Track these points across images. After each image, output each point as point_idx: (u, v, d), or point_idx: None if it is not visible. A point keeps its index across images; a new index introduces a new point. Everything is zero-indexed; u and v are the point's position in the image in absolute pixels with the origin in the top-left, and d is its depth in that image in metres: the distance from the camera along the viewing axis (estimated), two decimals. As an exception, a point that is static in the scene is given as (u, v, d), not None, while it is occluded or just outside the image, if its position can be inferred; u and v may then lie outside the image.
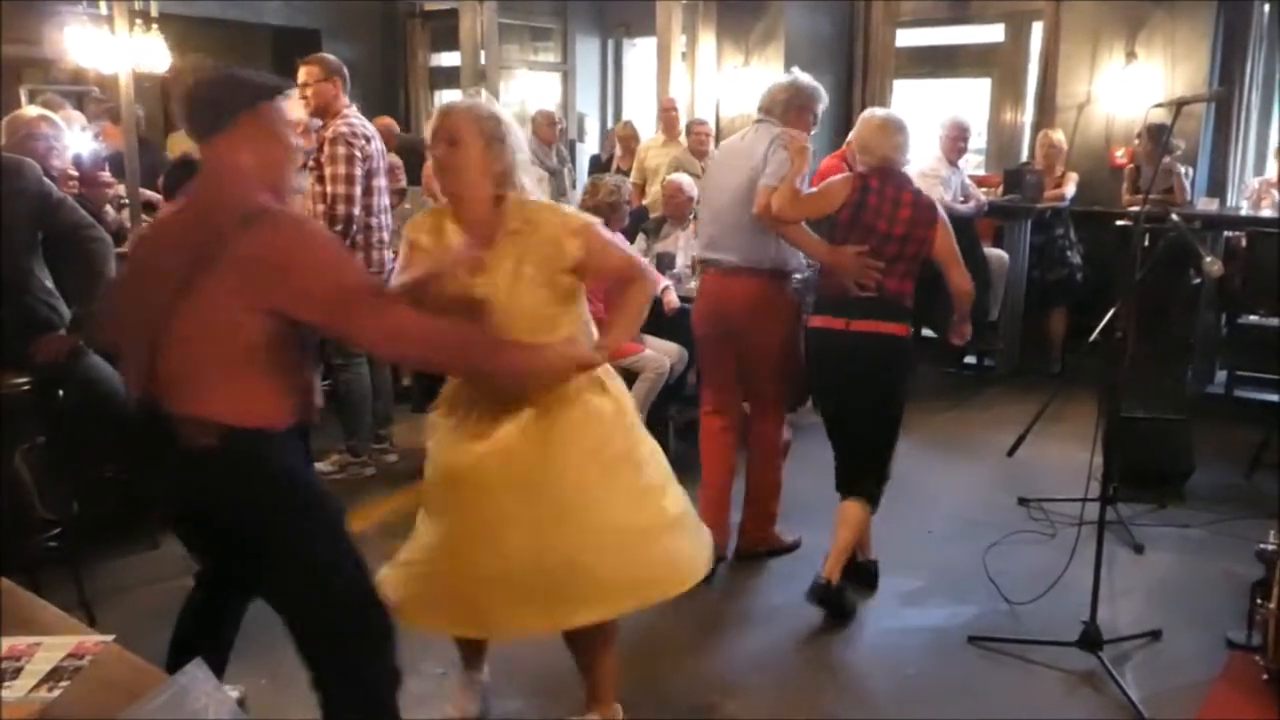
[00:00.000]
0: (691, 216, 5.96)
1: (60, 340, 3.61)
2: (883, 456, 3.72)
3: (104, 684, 1.45)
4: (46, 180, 3.69)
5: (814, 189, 3.79)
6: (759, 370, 3.99)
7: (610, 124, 10.52)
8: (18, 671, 1.45)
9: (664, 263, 5.51)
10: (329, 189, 4.51)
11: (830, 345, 3.69)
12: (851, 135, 3.97)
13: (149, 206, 5.53)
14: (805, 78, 4.00)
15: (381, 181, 4.77)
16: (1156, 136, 6.01)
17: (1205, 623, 3.57)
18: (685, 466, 5.02)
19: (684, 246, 5.71)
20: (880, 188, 3.63)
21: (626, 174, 7.66)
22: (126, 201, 5.72)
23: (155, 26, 6.22)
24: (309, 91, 4.61)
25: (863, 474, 3.71)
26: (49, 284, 3.72)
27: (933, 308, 3.84)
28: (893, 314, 3.62)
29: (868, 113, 3.88)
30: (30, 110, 4.42)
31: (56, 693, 1.41)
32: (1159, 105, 3.98)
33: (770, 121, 3.91)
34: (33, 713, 1.37)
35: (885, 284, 3.59)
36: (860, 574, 3.86)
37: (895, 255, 3.60)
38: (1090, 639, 3.28)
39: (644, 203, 7.20)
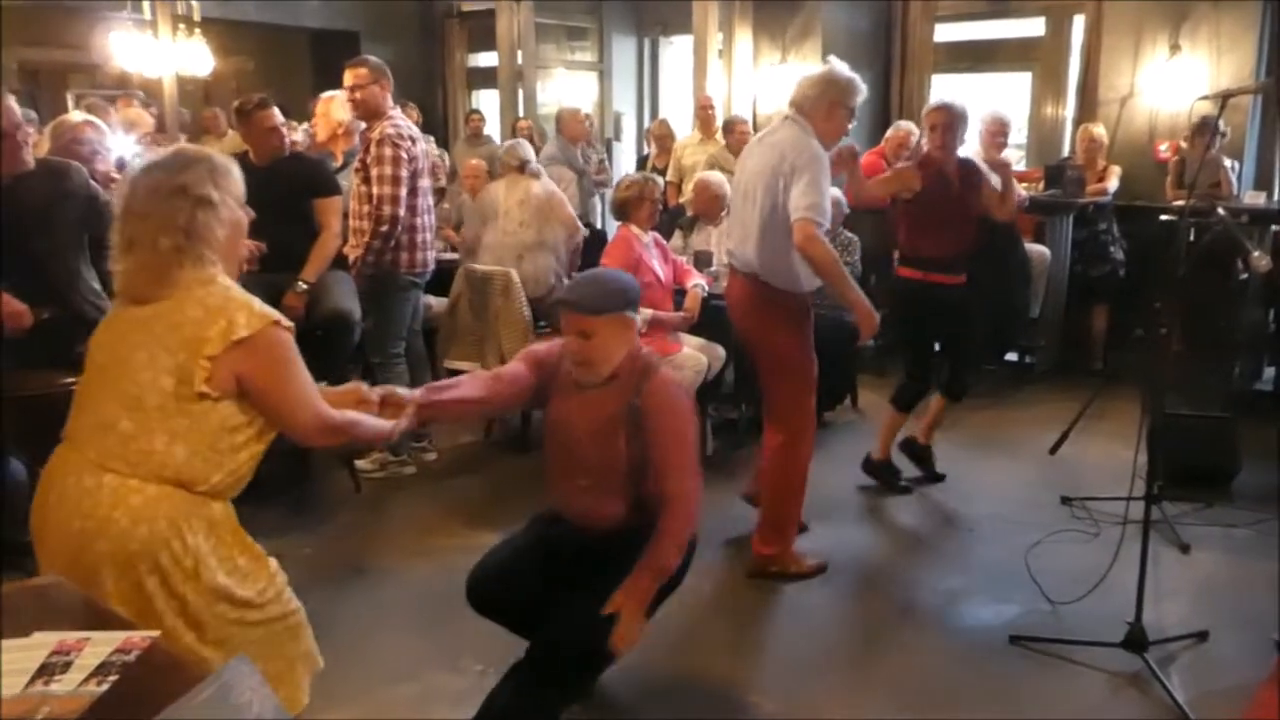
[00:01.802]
0: (724, 214, 5.95)
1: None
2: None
3: (150, 679, 1.47)
4: (93, 183, 3.75)
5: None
6: (764, 373, 3.91)
7: (647, 123, 10.53)
8: (67, 666, 1.48)
9: (701, 260, 5.50)
10: (375, 190, 4.56)
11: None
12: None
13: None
14: (841, 68, 3.76)
15: (425, 182, 4.82)
16: (1202, 130, 5.92)
17: (1252, 624, 3.51)
18: (721, 464, 5.06)
19: (717, 244, 5.71)
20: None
21: (662, 172, 7.66)
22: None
23: (198, 30, 6.30)
24: (358, 95, 4.66)
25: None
26: (96, 285, 3.78)
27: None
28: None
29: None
30: (75, 115, 4.50)
31: (104, 687, 1.43)
32: (1204, 98, 3.93)
33: (797, 119, 3.70)
34: (81, 706, 1.39)
35: None
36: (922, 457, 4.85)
37: None
38: (1135, 640, 3.24)
39: (680, 201, 7.20)
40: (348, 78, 4.67)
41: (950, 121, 4.53)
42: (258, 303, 2.12)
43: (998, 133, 6.30)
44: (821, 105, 3.70)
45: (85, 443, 2.11)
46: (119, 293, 2.15)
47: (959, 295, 4.64)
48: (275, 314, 2.13)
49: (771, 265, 3.71)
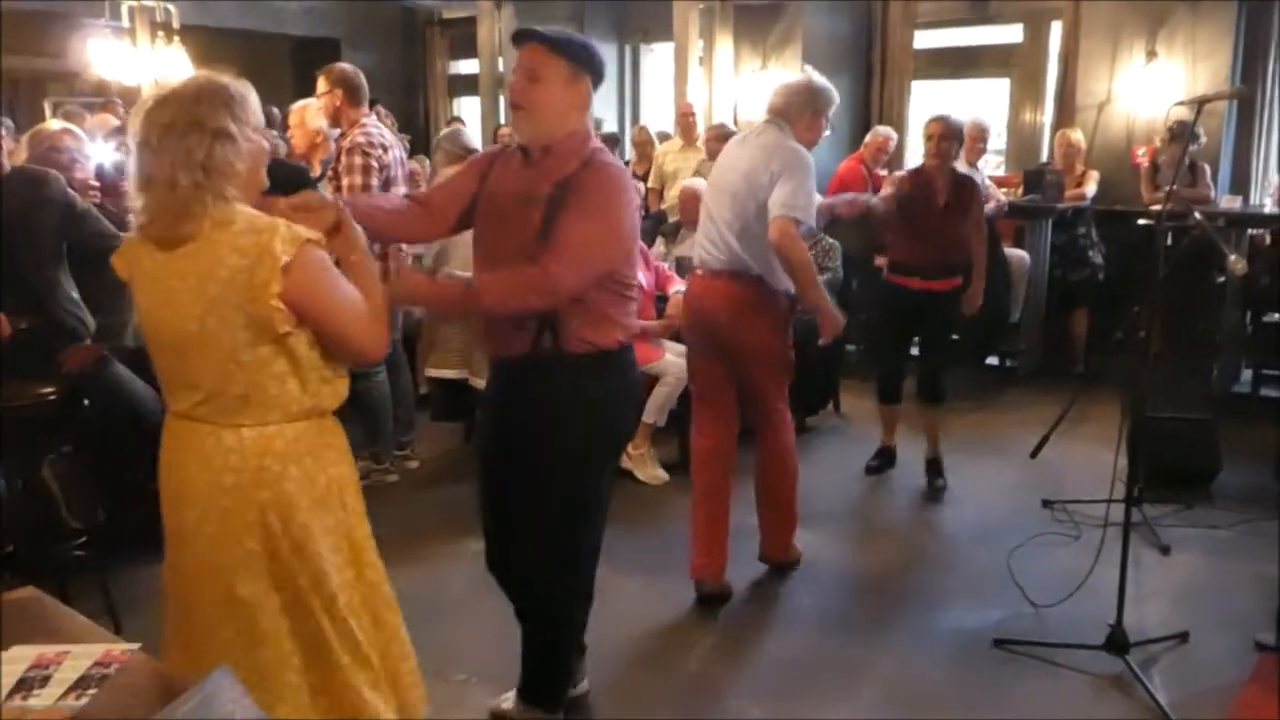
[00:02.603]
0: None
1: (86, 350, 3.64)
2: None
3: (130, 692, 1.45)
4: (70, 191, 3.73)
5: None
6: (754, 373, 3.80)
7: (628, 129, 10.54)
8: (45, 680, 1.47)
9: (684, 266, 5.51)
10: (345, 199, 4.53)
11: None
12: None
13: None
14: (820, 79, 3.86)
15: (400, 190, 4.79)
16: (1178, 134, 5.97)
17: (1233, 625, 3.54)
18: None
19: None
20: None
21: (642, 179, 7.68)
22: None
23: (177, 38, 6.27)
24: (323, 101, 4.66)
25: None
26: (74, 294, 3.76)
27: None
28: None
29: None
30: (54, 124, 4.48)
31: (83, 701, 1.42)
32: (1181, 103, 3.97)
33: (779, 124, 3.73)
34: (61, 720, 1.39)
35: None
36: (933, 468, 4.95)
37: None
38: (1117, 642, 3.26)
39: (662, 207, 7.21)
40: (318, 85, 4.68)
41: (944, 133, 4.69)
42: (285, 225, 2.01)
43: (977, 138, 6.35)
44: (805, 114, 3.75)
45: (204, 413, 2.08)
46: (139, 229, 2.06)
47: (938, 302, 4.80)
48: (306, 231, 2.03)
49: (756, 254, 3.67)
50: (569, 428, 2.62)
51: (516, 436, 2.68)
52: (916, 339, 5.01)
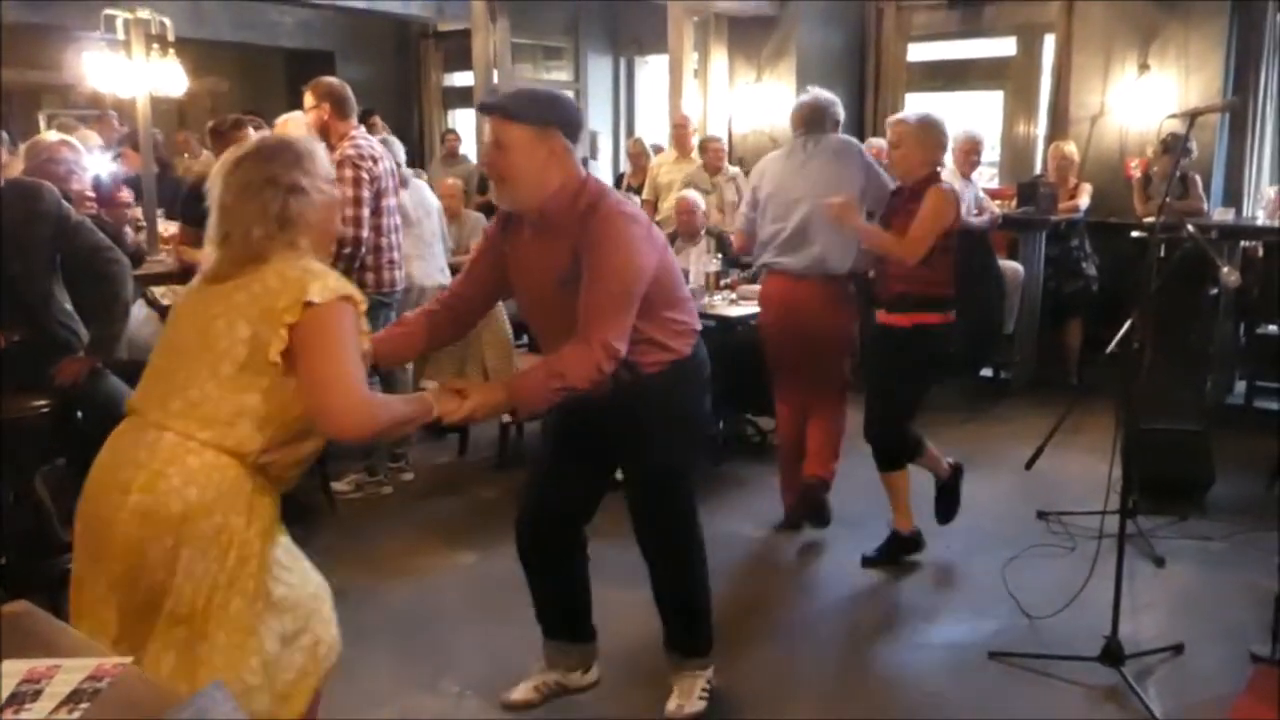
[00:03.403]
0: (702, 232, 5.98)
1: (79, 362, 3.64)
2: None
3: (123, 706, 1.45)
4: (64, 203, 3.73)
5: (926, 223, 3.93)
6: (829, 364, 4.35)
7: (623, 142, 10.57)
8: (38, 694, 1.46)
9: (677, 279, 5.51)
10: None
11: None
12: (905, 140, 4.06)
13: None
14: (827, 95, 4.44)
15: (392, 201, 4.79)
16: (1171, 147, 5.99)
17: (1228, 636, 3.54)
18: (703, 482, 5.05)
19: (695, 262, 5.72)
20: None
21: (637, 190, 7.69)
22: (144, 224, 5.78)
23: (171, 50, 6.28)
24: (310, 116, 4.68)
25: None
26: (68, 306, 3.75)
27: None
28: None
29: (922, 116, 4.14)
30: (51, 135, 4.48)
31: (76, 715, 1.41)
32: (1173, 116, 3.99)
33: (831, 135, 4.31)
34: (53, 735, 1.38)
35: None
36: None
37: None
38: (1112, 653, 3.25)
39: (657, 219, 7.22)
40: (305, 99, 4.70)
41: (896, 139, 4.10)
42: (335, 276, 2.09)
43: (970, 151, 6.37)
44: (829, 124, 4.37)
45: (149, 409, 2.09)
46: (205, 276, 2.16)
47: (896, 339, 4.07)
48: (351, 290, 2.09)
49: (842, 253, 4.19)
50: (664, 440, 2.84)
51: (611, 448, 2.91)
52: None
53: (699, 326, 2.86)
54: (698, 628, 3.10)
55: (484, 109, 2.64)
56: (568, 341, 2.54)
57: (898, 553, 4.19)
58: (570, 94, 11.36)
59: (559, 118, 2.57)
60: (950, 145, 6.34)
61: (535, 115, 2.53)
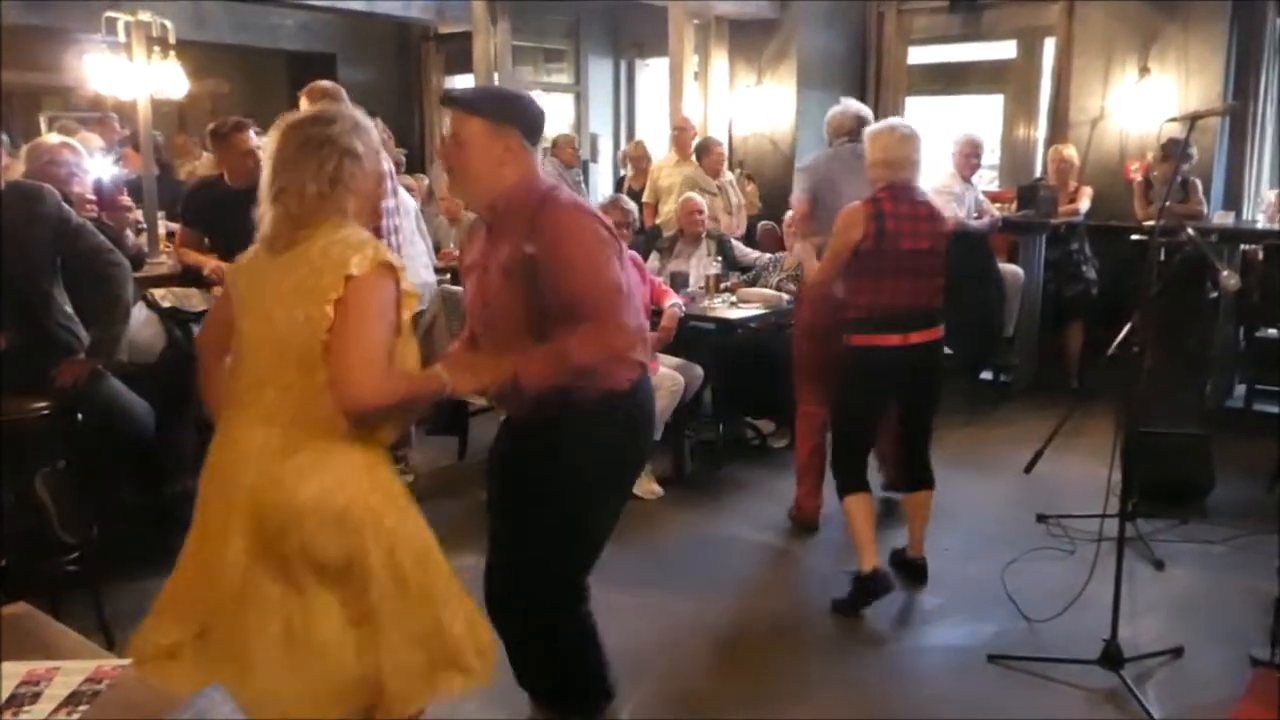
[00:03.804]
0: (703, 234, 5.98)
1: (79, 364, 3.64)
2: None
3: (122, 708, 1.45)
4: (65, 205, 3.73)
5: (830, 245, 3.84)
6: None
7: (623, 144, 10.57)
8: (36, 696, 1.46)
9: (677, 281, 5.52)
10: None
11: (890, 359, 3.81)
12: (870, 151, 3.87)
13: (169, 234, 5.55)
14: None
15: (391, 202, 4.79)
16: (1171, 150, 5.99)
17: (1228, 640, 3.54)
18: (700, 484, 5.07)
19: (697, 265, 5.72)
20: (895, 208, 3.66)
21: (639, 194, 7.68)
22: (145, 226, 5.78)
23: (173, 53, 6.28)
24: None
25: (926, 462, 4.08)
26: (68, 308, 3.75)
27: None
28: (937, 321, 3.89)
29: (883, 126, 3.92)
30: (52, 137, 4.48)
31: (74, 717, 1.42)
32: (1173, 119, 3.98)
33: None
34: (52, 736, 1.38)
35: (925, 295, 3.80)
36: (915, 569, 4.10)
37: (929, 269, 3.77)
38: (1111, 657, 3.26)
39: (657, 222, 7.22)
40: (301, 104, 4.70)
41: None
42: (375, 245, 2.16)
43: (970, 154, 6.38)
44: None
45: (249, 401, 2.18)
46: (261, 240, 2.24)
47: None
48: (390, 257, 2.16)
49: None
50: (579, 475, 2.59)
51: (529, 483, 2.66)
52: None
53: (651, 361, 2.68)
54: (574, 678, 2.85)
55: (446, 101, 2.64)
56: (510, 341, 2.48)
57: (862, 598, 3.79)
58: (570, 97, 11.45)
59: (517, 116, 2.54)
60: (952, 149, 6.42)
61: (493, 111, 2.51)
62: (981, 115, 8.98)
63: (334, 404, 2.09)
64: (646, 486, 4.95)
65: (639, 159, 8.32)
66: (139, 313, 4.39)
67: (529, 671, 2.81)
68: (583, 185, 8.87)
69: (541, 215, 2.47)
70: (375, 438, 2.23)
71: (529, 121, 2.57)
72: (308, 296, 2.10)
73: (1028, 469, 3.67)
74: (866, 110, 4.82)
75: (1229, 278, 3.55)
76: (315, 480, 2.11)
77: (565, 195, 2.58)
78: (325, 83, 4.75)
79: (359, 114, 2.32)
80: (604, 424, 2.56)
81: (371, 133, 2.30)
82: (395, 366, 2.19)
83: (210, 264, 4.40)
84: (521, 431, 2.67)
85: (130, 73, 6.00)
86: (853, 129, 4.62)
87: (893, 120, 4.06)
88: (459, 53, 10.75)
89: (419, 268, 5.56)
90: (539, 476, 2.62)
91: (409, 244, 5.57)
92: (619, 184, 8.66)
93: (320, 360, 2.10)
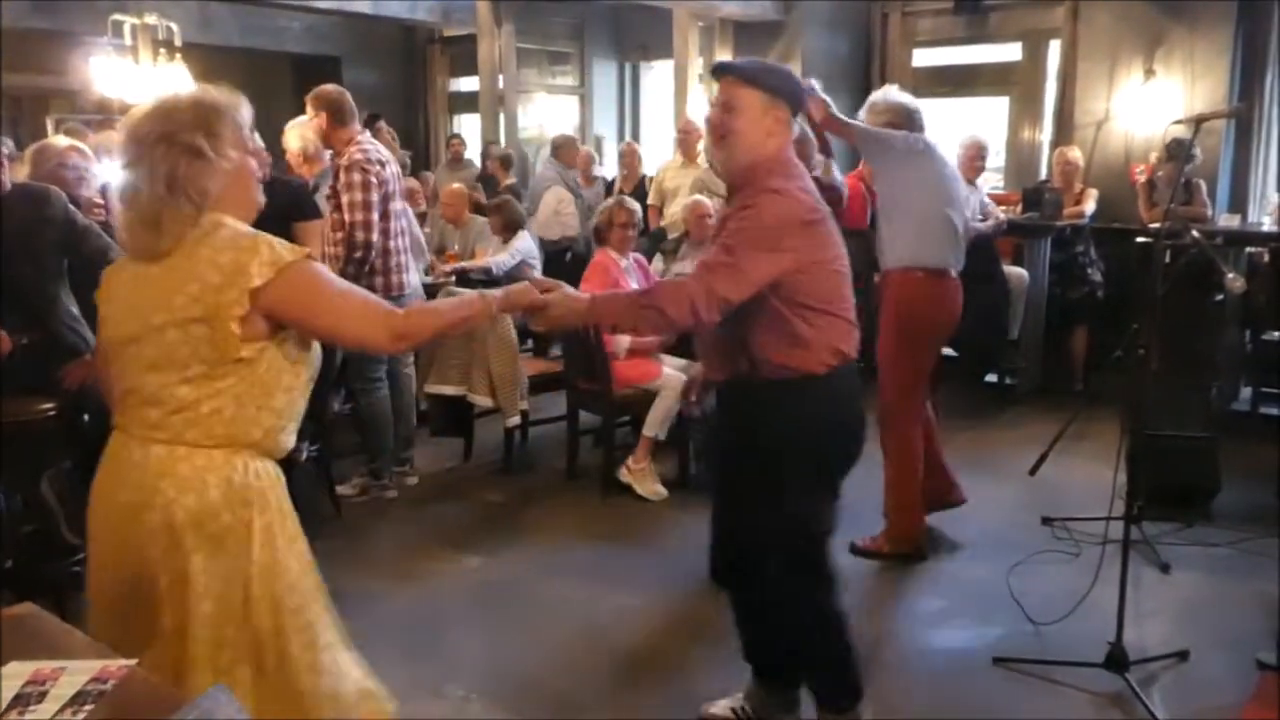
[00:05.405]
0: (712, 237, 5.97)
1: (86, 366, 3.64)
2: None
3: (127, 708, 1.45)
4: (72, 208, 3.74)
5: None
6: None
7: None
8: (42, 695, 1.46)
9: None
10: (347, 216, 4.55)
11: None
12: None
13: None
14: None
15: (398, 205, 4.81)
16: (1175, 153, 5.99)
17: (1234, 643, 3.53)
18: (704, 486, 5.05)
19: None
20: None
21: (630, 195, 7.68)
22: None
23: (178, 56, 6.30)
24: (313, 125, 4.72)
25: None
26: (75, 310, 3.76)
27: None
28: None
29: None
30: (60, 140, 4.49)
31: (80, 717, 1.42)
32: (1178, 122, 3.99)
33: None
34: (57, 736, 1.39)
35: None
36: None
37: None
38: (1117, 660, 3.25)
39: (661, 224, 7.22)
40: (306, 109, 4.73)
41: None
42: (268, 242, 1.96)
43: (975, 156, 6.38)
44: None
45: (130, 420, 2.01)
46: (123, 247, 2.06)
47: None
48: (291, 251, 1.97)
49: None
50: (772, 451, 2.66)
51: (730, 456, 2.80)
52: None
53: (853, 353, 2.69)
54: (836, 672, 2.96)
55: (723, 70, 2.68)
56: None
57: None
58: (575, 99, 11.46)
59: (790, 93, 2.65)
60: (957, 151, 6.41)
61: (770, 84, 2.61)
62: (986, 117, 8.97)
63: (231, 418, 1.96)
64: (651, 488, 4.96)
65: (631, 159, 8.33)
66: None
67: (759, 647, 2.98)
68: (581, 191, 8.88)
69: (755, 189, 2.56)
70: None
71: (797, 100, 2.69)
72: (207, 313, 1.90)
73: (1033, 471, 3.67)
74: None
75: (1234, 280, 3.55)
76: (193, 497, 1.95)
77: (781, 182, 2.59)
78: (330, 87, 4.76)
79: (219, 99, 2.03)
80: (794, 404, 2.63)
81: (230, 120, 2.01)
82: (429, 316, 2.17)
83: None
84: (724, 402, 2.82)
85: (136, 75, 6.03)
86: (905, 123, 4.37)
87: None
88: (464, 55, 10.79)
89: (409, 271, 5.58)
90: (743, 445, 2.74)
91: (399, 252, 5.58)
92: (609, 187, 8.63)
93: (224, 370, 1.94)
